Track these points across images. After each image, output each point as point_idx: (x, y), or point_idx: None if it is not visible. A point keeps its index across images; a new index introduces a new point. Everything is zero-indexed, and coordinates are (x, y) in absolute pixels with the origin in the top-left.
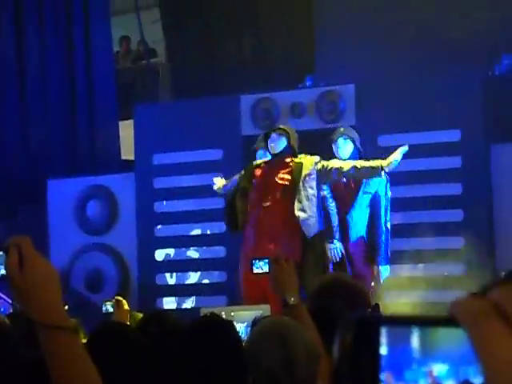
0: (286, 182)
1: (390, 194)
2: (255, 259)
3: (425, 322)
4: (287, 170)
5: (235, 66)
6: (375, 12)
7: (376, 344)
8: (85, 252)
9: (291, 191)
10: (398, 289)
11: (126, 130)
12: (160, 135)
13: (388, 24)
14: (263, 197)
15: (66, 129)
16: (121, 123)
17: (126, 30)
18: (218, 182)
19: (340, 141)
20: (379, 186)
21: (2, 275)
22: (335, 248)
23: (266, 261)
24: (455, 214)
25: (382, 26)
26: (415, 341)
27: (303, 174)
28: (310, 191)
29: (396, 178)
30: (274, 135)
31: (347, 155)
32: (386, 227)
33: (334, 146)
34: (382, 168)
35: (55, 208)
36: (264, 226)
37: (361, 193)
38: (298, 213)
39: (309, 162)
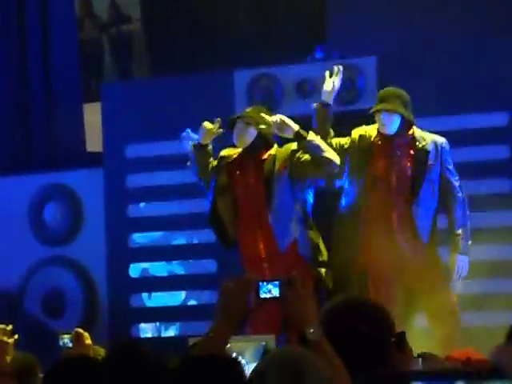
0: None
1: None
2: (262, 281)
3: (460, 375)
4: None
5: (227, 34)
6: None
7: None
8: (42, 267)
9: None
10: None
11: (93, 115)
12: (134, 121)
13: None
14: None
15: (16, 114)
16: (86, 106)
17: None
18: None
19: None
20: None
21: None
22: None
23: (277, 283)
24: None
25: None
26: None
27: (276, 170)
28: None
29: None
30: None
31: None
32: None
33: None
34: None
35: (4, 212)
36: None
37: None
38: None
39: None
